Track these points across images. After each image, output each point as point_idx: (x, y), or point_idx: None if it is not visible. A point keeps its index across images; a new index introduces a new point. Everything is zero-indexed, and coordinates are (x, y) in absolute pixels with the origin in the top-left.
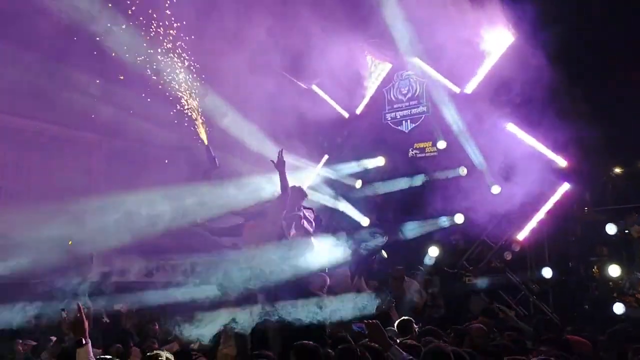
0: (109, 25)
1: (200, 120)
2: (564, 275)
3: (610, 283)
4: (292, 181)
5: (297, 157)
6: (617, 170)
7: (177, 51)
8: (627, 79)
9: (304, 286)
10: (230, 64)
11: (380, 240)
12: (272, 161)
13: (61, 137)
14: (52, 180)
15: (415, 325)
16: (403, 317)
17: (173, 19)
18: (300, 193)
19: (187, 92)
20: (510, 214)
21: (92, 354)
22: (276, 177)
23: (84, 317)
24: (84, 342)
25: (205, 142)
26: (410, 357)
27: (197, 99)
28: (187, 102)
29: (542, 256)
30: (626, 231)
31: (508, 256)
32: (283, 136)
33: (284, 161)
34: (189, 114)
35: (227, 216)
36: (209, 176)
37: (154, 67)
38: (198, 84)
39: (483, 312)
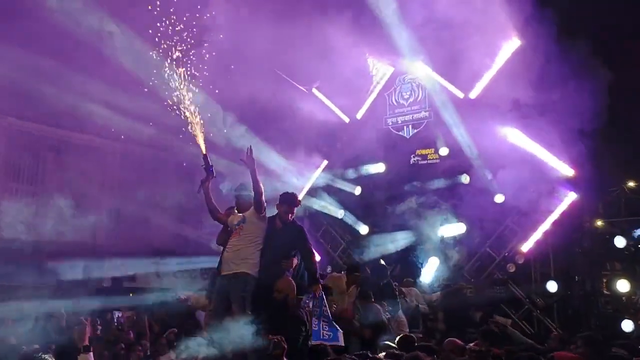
0: (112, 30)
1: (199, 127)
2: (569, 289)
3: (623, 299)
4: (288, 187)
5: (296, 161)
6: (631, 183)
7: (177, 54)
8: None
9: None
10: (229, 67)
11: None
12: (242, 159)
13: (75, 142)
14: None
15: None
16: (405, 334)
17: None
18: (294, 201)
19: (185, 95)
20: (514, 224)
21: None
22: None
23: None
24: (91, 349)
25: (203, 150)
26: None
27: (195, 104)
28: (185, 108)
29: (547, 269)
30: (639, 245)
31: (511, 268)
32: (282, 140)
33: (254, 159)
34: (187, 120)
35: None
36: (206, 187)
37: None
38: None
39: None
